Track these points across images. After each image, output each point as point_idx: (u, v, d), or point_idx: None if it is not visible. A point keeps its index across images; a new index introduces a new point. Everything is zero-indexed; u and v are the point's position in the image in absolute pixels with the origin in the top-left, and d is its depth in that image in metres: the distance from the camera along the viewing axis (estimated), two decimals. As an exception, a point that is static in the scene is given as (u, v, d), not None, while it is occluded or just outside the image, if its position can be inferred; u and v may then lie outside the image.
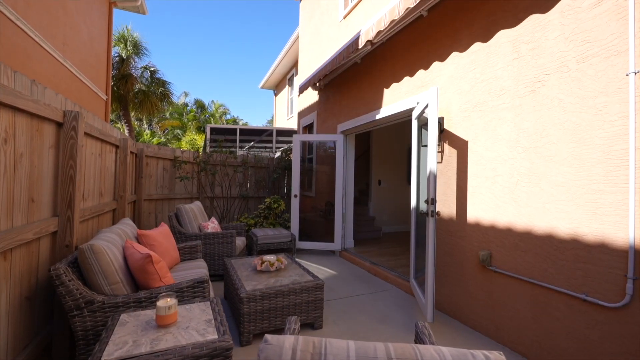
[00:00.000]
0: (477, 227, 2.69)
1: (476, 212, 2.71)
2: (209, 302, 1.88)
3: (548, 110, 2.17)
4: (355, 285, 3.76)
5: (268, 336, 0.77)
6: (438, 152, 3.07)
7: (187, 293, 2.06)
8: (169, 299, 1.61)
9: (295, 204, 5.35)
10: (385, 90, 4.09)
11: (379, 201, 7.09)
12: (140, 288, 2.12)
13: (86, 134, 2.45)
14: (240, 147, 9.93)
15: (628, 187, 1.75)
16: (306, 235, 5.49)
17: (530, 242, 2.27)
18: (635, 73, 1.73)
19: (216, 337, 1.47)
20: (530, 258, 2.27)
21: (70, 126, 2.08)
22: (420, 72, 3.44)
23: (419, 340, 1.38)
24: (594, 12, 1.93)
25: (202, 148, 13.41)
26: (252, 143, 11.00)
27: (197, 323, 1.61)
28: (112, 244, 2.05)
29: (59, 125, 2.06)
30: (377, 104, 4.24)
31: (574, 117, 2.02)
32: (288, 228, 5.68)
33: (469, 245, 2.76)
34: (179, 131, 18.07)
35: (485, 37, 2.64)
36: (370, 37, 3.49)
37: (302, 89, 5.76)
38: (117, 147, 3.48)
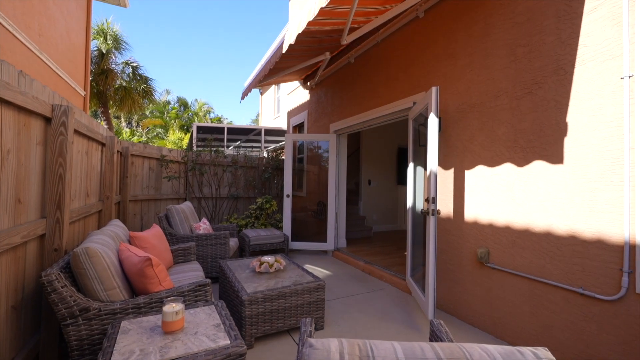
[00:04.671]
0: (475, 225, 2.75)
1: (473, 211, 2.77)
2: (213, 306, 1.81)
3: (545, 111, 2.25)
4: (351, 284, 3.75)
5: (312, 340, 0.74)
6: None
7: (189, 297, 1.97)
8: (175, 304, 1.53)
9: (287, 204, 5.28)
10: (380, 90, 4.11)
11: (369, 201, 7.14)
12: (136, 293, 2.01)
13: (74, 130, 2.30)
14: (227, 147, 9.72)
15: (623, 185, 1.83)
16: (298, 236, 5.44)
17: (527, 239, 2.34)
18: (630, 77, 1.82)
19: (229, 342, 1.41)
20: (528, 254, 2.34)
21: (60, 122, 1.93)
22: (416, 73, 3.48)
23: (435, 338, 1.38)
24: (589, 17, 2.02)
25: (186, 147, 13.01)
26: (239, 142, 10.80)
27: (206, 328, 1.54)
28: (106, 247, 1.93)
29: (47, 120, 1.92)
30: (372, 104, 4.26)
31: (570, 118, 2.10)
32: (280, 228, 5.61)
33: (467, 243, 2.82)
34: (160, 130, 17.45)
35: (483, 40, 2.70)
36: (300, 30, 2.71)
37: (243, 94, 5.20)
38: (103, 145, 3.30)
